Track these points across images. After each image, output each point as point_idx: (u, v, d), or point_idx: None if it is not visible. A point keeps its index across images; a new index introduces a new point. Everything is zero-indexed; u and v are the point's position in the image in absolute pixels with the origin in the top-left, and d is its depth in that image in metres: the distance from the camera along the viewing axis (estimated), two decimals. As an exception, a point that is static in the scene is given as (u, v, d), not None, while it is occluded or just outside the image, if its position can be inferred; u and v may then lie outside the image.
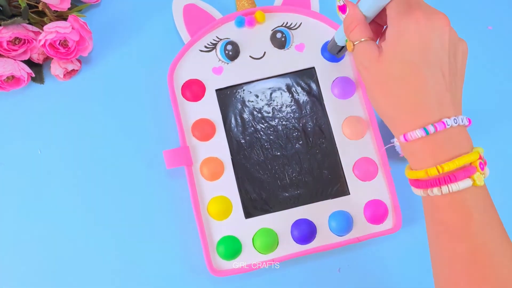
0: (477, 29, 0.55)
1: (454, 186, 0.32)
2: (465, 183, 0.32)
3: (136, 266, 0.49)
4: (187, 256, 0.49)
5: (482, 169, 0.33)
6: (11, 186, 0.50)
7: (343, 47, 0.46)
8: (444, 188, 0.32)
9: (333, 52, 0.48)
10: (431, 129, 0.32)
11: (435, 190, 0.33)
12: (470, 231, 0.33)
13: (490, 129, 0.53)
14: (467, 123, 0.34)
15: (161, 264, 0.49)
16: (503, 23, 0.55)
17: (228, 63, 0.51)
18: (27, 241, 0.50)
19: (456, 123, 0.33)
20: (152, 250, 0.49)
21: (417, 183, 0.35)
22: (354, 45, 0.38)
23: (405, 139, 0.34)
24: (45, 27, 0.47)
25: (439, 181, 0.33)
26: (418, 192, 0.35)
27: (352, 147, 0.49)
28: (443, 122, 0.32)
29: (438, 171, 0.32)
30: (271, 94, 0.51)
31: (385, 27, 0.38)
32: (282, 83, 0.51)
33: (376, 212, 0.48)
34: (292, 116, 0.50)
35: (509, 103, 0.53)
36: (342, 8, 0.40)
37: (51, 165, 0.51)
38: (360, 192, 0.49)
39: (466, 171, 0.32)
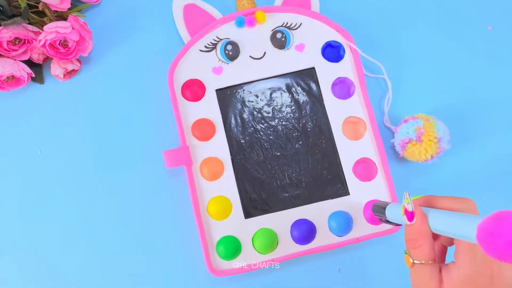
0: (477, 29, 0.55)
1: None
2: None
3: (136, 265, 0.49)
4: (187, 256, 0.49)
5: None
6: (11, 186, 0.50)
7: (391, 221, 0.40)
8: None
9: (376, 215, 0.43)
10: None
11: None
12: None
13: (490, 128, 0.53)
14: None
15: (160, 264, 0.49)
16: (503, 23, 0.55)
17: (228, 63, 0.51)
18: (27, 240, 0.50)
19: None
20: (151, 249, 0.49)
21: None
22: (414, 263, 0.33)
23: None
24: (45, 27, 0.47)
25: None
26: None
27: (352, 147, 0.49)
28: None
29: None
30: (271, 94, 0.51)
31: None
32: (282, 83, 0.51)
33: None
34: (292, 116, 0.50)
35: (510, 103, 0.53)
36: (409, 215, 0.34)
37: (51, 165, 0.51)
38: (360, 192, 0.49)
39: None
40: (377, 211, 0.42)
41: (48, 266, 0.49)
